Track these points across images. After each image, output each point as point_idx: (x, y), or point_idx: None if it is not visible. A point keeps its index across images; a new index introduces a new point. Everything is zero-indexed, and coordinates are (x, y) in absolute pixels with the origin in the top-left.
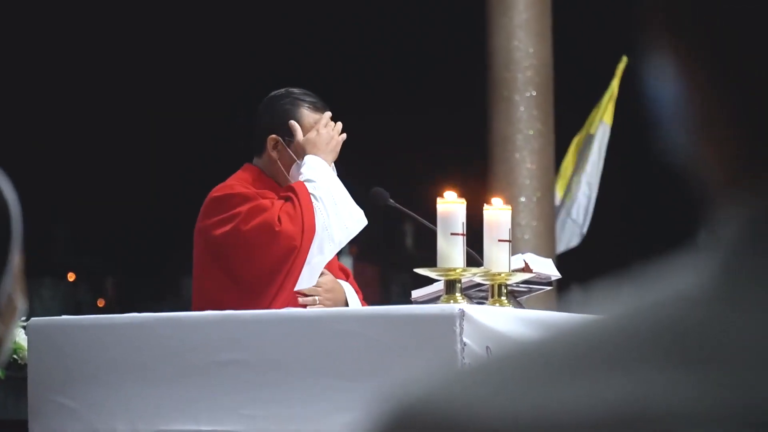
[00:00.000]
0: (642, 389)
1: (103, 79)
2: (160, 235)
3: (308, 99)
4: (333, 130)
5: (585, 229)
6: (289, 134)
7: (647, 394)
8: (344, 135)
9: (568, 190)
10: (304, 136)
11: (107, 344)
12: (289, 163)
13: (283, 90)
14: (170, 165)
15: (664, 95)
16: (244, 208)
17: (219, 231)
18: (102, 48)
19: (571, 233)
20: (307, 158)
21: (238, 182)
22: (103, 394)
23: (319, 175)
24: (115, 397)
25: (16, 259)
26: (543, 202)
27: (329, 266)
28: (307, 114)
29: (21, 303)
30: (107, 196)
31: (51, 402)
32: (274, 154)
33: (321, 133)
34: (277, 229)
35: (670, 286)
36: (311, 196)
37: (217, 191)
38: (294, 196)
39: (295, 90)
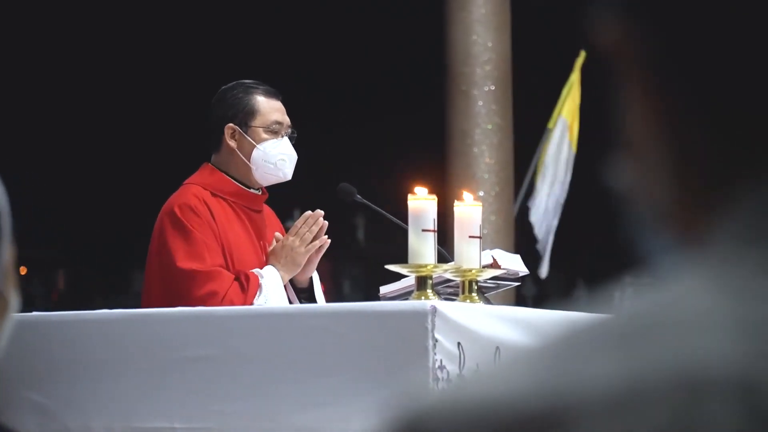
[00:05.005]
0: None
1: (59, 71)
2: (112, 228)
3: (261, 87)
4: (301, 239)
5: (555, 223)
6: (245, 122)
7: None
8: (316, 243)
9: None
10: (260, 123)
11: (80, 341)
12: (249, 150)
13: (233, 82)
14: (123, 159)
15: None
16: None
17: (183, 265)
18: (59, 37)
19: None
20: (266, 270)
21: (195, 188)
22: (77, 391)
23: (269, 295)
24: (89, 394)
25: (6, 255)
26: (502, 196)
27: None
28: (262, 100)
29: (13, 299)
30: (58, 189)
31: (23, 399)
32: (232, 143)
33: (285, 244)
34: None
35: (676, 282)
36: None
37: (178, 210)
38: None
39: (247, 80)
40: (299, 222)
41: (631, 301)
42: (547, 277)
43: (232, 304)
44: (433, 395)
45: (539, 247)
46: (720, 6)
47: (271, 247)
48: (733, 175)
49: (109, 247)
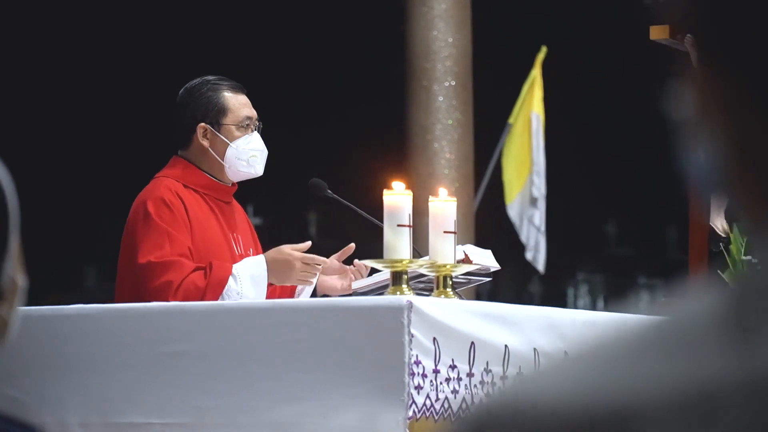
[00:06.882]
0: (707, 370)
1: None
2: (64, 223)
3: (226, 83)
4: (302, 271)
5: (543, 228)
6: (217, 120)
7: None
8: (311, 281)
9: (524, 192)
10: (231, 120)
11: (56, 336)
12: (222, 148)
13: (197, 79)
14: (75, 154)
15: (702, 141)
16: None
17: (143, 260)
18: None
19: (536, 240)
20: (254, 259)
21: (168, 181)
22: (53, 386)
23: (248, 287)
24: (65, 389)
25: (15, 242)
26: (462, 192)
27: None
28: (230, 96)
29: (22, 281)
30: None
31: None
32: (204, 142)
33: (289, 260)
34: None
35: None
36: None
37: (150, 203)
38: (207, 283)
39: (211, 77)
40: (319, 258)
41: (688, 302)
42: (502, 273)
43: (187, 292)
44: (501, 393)
45: (530, 247)
46: None
47: (277, 249)
48: None
49: (61, 242)
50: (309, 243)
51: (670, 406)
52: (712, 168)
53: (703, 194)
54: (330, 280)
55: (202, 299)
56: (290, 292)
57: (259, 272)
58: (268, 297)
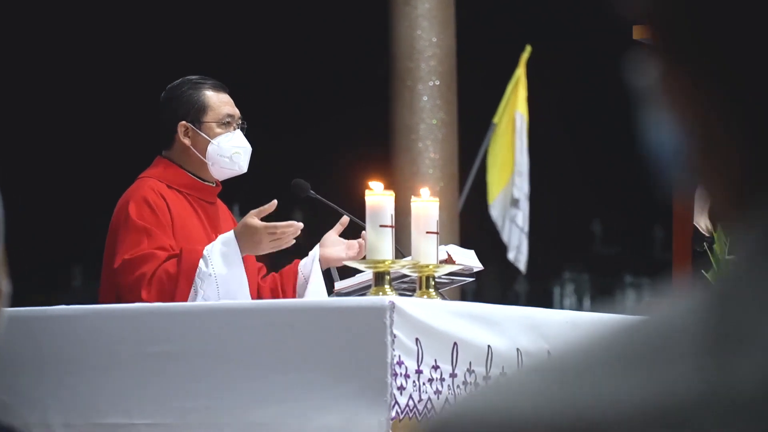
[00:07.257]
0: (678, 383)
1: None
2: (52, 223)
3: (208, 81)
4: (270, 239)
5: (526, 229)
6: (197, 118)
7: (682, 387)
8: (284, 247)
9: (506, 192)
10: (212, 118)
11: (38, 336)
12: (203, 146)
13: (179, 80)
14: (61, 154)
15: (664, 122)
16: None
17: (116, 264)
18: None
19: (519, 240)
20: (227, 240)
21: (151, 181)
22: (35, 388)
23: (219, 266)
24: (48, 390)
25: (1, 248)
26: (446, 192)
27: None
28: (211, 95)
29: (6, 286)
30: None
31: None
32: (186, 141)
33: (256, 231)
34: (143, 297)
35: (697, 291)
36: (194, 286)
37: (133, 204)
38: (178, 270)
39: (193, 76)
40: (280, 224)
41: (664, 306)
42: (487, 272)
43: (161, 281)
44: (461, 402)
45: (513, 247)
46: None
47: (243, 221)
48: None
49: (48, 242)
50: (274, 202)
51: (638, 422)
52: (677, 154)
53: (665, 176)
54: (332, 251)
55: (175, 286)
56: (293, 274)
57: (229, 249)
58: (271, 286)
